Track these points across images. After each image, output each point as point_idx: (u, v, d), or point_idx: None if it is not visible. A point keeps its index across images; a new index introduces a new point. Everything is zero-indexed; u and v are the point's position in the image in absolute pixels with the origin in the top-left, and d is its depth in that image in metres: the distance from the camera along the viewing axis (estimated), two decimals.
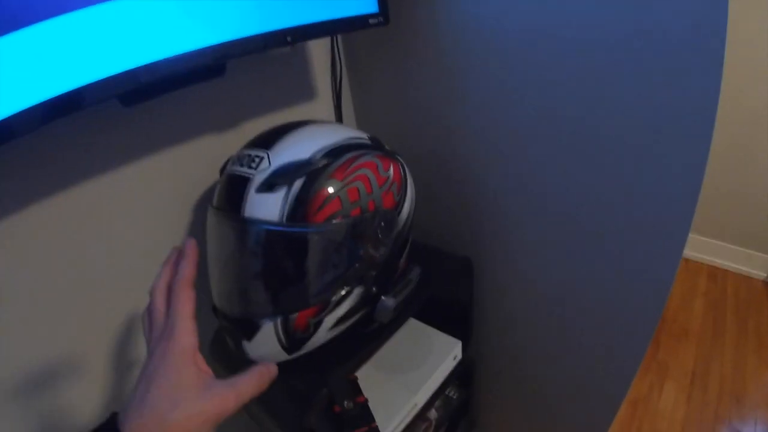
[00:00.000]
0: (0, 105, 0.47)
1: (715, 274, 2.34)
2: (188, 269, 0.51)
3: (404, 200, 0.73)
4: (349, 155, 0.66)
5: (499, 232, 1.00)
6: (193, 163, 0.83)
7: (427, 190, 1.04)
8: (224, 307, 0.71)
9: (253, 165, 0.64)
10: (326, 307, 0.67)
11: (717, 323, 2.07)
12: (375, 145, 0.72)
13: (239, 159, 0.67)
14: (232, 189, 0.66)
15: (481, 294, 1.12)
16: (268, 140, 0.67)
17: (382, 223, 0.68)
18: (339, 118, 1.06)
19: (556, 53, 0.74)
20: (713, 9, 0.58)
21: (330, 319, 0.69)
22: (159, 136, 0.78)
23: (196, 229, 0.86)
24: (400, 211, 0.72)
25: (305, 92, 0.99)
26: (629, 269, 0.85)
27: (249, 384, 0.48)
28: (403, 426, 0.94)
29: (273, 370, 0.52)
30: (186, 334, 0.46)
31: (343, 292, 0.68)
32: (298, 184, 0.62)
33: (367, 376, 0.99)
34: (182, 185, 0.84)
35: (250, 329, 0.68)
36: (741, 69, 1.93)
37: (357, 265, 0.68)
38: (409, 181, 0.76)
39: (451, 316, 1.08)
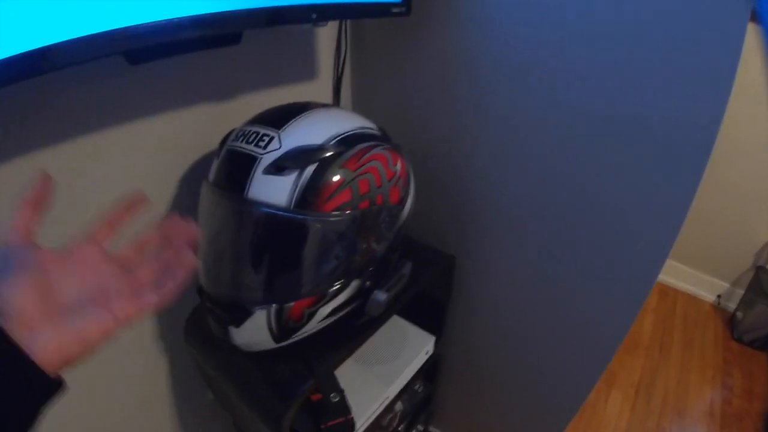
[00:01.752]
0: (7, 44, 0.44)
1: (667, 292, 2.46)
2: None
3: (408, 196, 0.73)
4: (361, 146, 0.65)
5: (484, 233, 1.02)
6: (188, 130, 0.80)
7: (417, 185, 1.05)
8: (213, 290, 0.69)
9: (261, 144, 0.63)
10: (323, 298, 0.67)
11: (665, 339, 2.19)
12: (384, 138, 0.71)
13: (245, 135, 0.65)
14: (236, 167, 0.64)
15: (457, 292, 1.14)
16: (278, 119, 0.66)
17: (387, 218, 0.69)
18: (336, 103, 1.05)
19: (566, 62, 0.76)
20: (726, 50, 0.61)
21: (324, 311, 0.69)
22: (159, 98, 0.75)
23: (182, 201, 0.83)
24: (404, 207, 0.72)
25: (307, 72, 0.97)
26: (606, 285, 0.88)
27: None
28: (373, 418, 0.95)
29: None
30: None
31: (340, 284, 0.68)
32: (310, 169, 0.61)
33: (343, 367, 0.99)
34: (175, 151, 0.81)
35: (240, 315, 0.67)
36: None
37: (358, 257, 0.68)
38: (412, 177, 0.76)
39: (425, 310, 1.10)
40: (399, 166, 0.71)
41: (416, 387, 1.24)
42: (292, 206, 0.61)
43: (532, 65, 0.79)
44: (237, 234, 0.66)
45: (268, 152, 0.62)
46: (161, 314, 0.89)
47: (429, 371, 1.21)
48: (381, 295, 0.73)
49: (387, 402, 0.98)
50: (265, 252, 0.65)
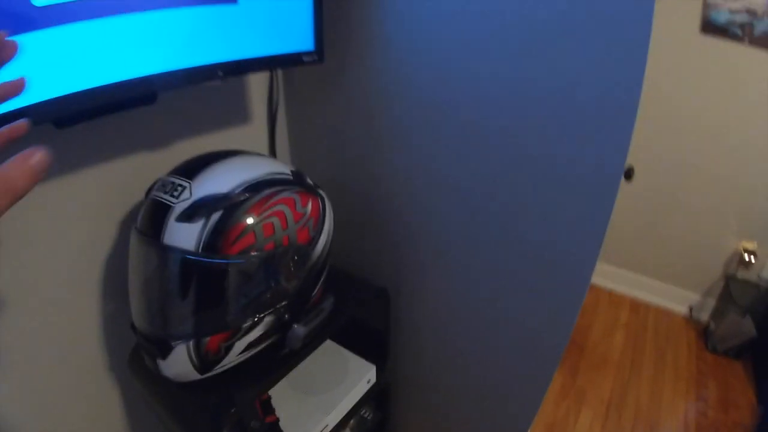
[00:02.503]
0: None
1: (638, 307, 2.51)
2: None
3: (320, 235, 0.79)
4: (267, 191, 0.72)
5: (416, 265, 1.08)
6: (122, 183, 0.87)
7: (351, 220, 1.11)
8: (141, 326, 0.76)
9: (176, 194, 0.70)
10: (237, 333, 0.73)
11: (636, 354, 2.23)
12: (296, 181, 0.78)
13: (163, 185, 0.72)
14: (154, 215, 0.71)
15: (398, 321, 1.20)
16: (191, 170, 0.73)
17: (296, 257, 0.75)
18: (272, 147, 1.12)
19: (478, 103, 0.83)
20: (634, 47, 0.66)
21: (241, 344, 0.74)
22: (90, 156, 0.82)
23: (121, 246, 0.90)
24: (314, 246, 0.78)
25: (240, 119, 1.04)
26: (540, 296, 0.94)
27: None
28: None
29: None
30: None
31: (254, 320, 0.74)
32: (215, 216, 0.68)
33: (282, 394, 1.04)
34: (111, 202, 0.88)
35: (164, 349, 0.73)
36: (668, 121, 2.12)
37: (268, 295, 0.73)
38: (328, 215, 0.82)
39: (368, 341, 1.15)
40: (309, 207, 0.77)
41: (365, 414, 1.28)
42: (199, 250, 0.67)
43: (440, 98, 0.87)
44: (155, 275, 0.72)
45: (180, 201, 0.69)
46: (113, 346, 0.95)
47: (378, 399, 1.25)
48: (299, 330, 0.79)
49: (328, 430, 1.02)
50: (178, 291, 0.71)
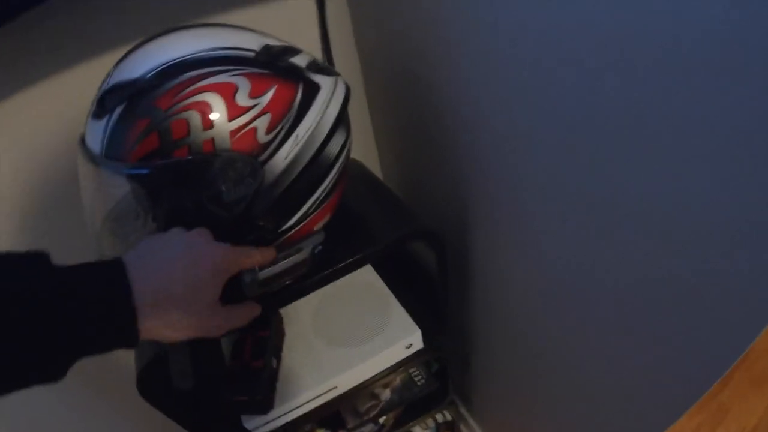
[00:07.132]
0: None
1: None
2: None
3: (284, 140, 0.47)
4: (191, 74, 0.43)
5: (491, 216, 0.69)
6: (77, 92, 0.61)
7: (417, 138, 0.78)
8: None
9: (103, 84, 0.47)
10: None
11: None
12: (263, 59, 0.47)
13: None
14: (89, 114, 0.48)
15: (462, 279, 0.84)
16: (132, 49, 0.47)
17: (231, 172, 0.45)
18: (322, 22, 0.76)
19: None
20: None
21: None
22: (27, 63, 0.60)
23: None
24: (269, 156, 0.47)
25: None
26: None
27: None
28: (316, 404, 0.75)
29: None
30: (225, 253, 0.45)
31: None
32: (118, 110, 0.43)
33: (300, 335, 0.80)
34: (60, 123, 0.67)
35: None
36: None
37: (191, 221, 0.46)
38: (316, 110, 0.49)
39: (425, 296, 0.82)
40: (267, 97, 0.46)
41: (415, 376, 0.97)
42: (102, 155, 0.44)
43: None
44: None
45: (99, 93, 0.46)
46: None
47: (438, 368, 0.95)
48: (247, 275, 0.50)
49: (336, 393, 0.75)
50: (96, 210, 0.50)
